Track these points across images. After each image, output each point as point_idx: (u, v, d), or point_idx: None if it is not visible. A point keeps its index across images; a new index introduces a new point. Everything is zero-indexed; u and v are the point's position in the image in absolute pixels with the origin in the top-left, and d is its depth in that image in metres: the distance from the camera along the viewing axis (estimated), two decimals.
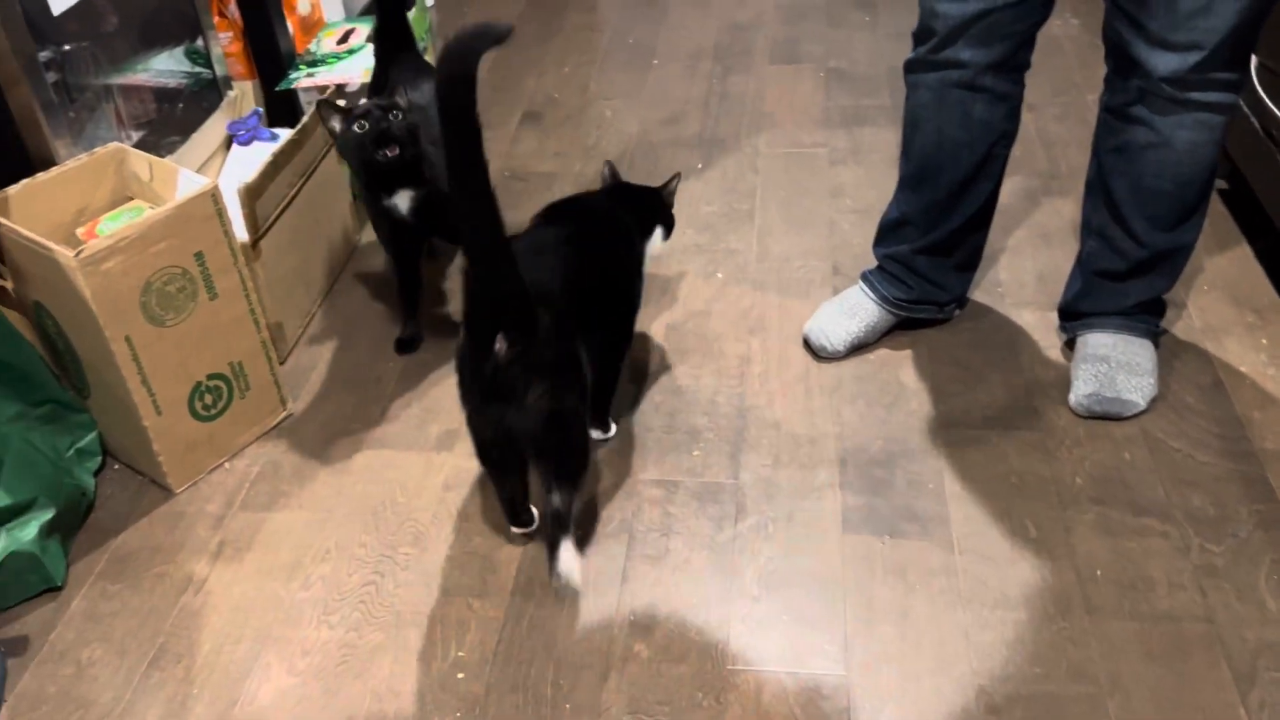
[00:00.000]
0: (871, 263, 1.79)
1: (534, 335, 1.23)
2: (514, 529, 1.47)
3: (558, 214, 1.54)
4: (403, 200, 1.68)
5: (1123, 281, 1.61)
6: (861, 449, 1.58)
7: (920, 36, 1.53)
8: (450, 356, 1.81)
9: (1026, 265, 1.93)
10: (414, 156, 1.64)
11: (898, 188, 1.70)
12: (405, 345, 1.83)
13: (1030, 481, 1.51)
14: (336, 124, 1.64)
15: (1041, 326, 1.78)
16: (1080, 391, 1.60)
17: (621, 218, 1.56)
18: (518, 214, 2.17)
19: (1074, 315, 1.69)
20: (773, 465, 1.56)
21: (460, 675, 1.31)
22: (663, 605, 1.37)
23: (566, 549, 1.29)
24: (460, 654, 1.33)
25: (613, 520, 1.49)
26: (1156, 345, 1.65)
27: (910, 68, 1.57)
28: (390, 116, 1.60)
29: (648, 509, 1.51)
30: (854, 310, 1.75)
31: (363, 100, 1.79)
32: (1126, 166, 1.51)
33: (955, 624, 1.32)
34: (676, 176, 1.66)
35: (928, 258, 1.70)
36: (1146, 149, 1.47)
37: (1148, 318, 1.64)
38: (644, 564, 1.43)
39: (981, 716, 1.22)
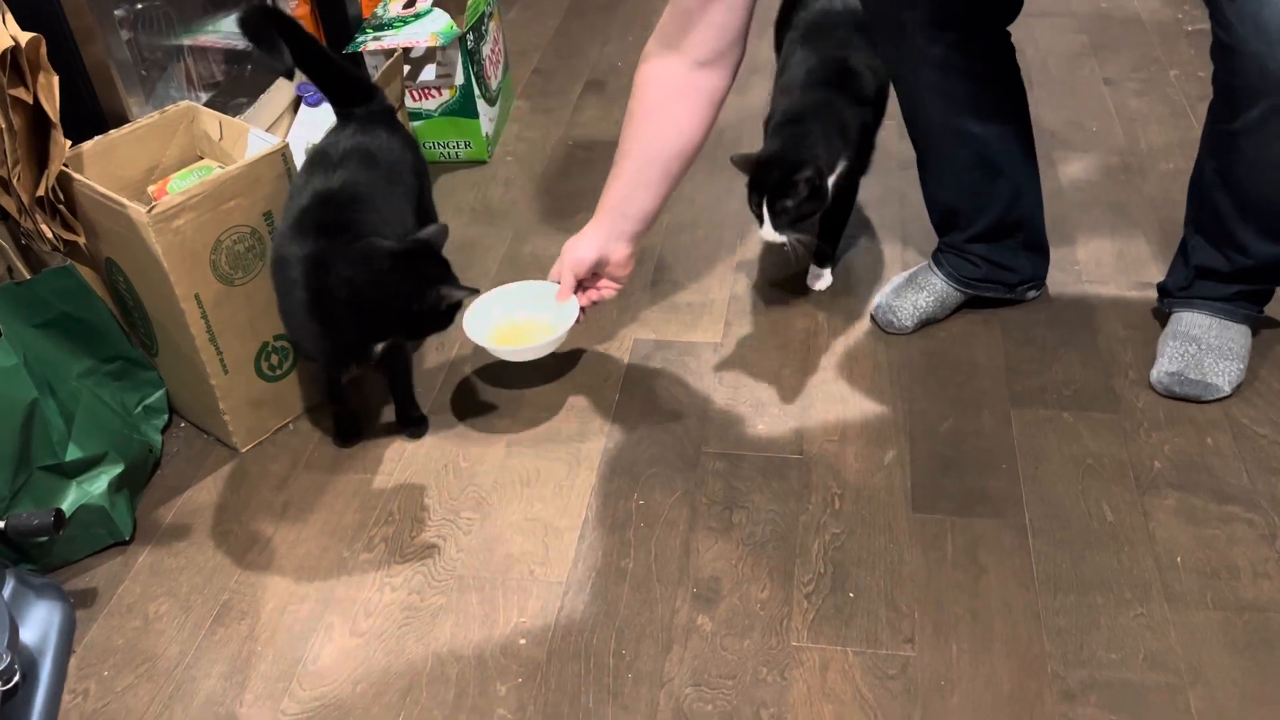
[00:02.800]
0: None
1: None
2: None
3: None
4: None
5: (1227, 283, 1.54)
6: (931, 427, 1.54)
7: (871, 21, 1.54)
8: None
9: (1104, 243, 1.87)
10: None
11: (920, 184, 1.67)
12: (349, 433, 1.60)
13: (1107, 464, 1.46)
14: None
15: (1120, 305, 1.73)
16: (1164, 369, 1.55)
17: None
18: (580, 183, 2.15)
19: (1173, 295, 1.62)
20: (839, 441, 1.53)
21: (522, 641, 1.30)
22: (726, 579, 1.35)
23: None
24: (522, 619, 1.32)
25: (675, 491, 1.47)
26: (1255, 332, 1.59)
27: (882, 57, 1.55)
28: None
29: (711, 481, 1.49)
30: (922, 286, 1.71)
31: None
32: (1232, 186, 1.44)
33: (1027, 606, 1.29)
34: None
35: (985, 245, 1.66)
36: (1250, 181, 1.41)
37: (1250, 304, 1.57)
38: (707, 536, 1.41)
39: (1054, 701, 1.19)
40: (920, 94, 1.53)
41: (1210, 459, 1.45)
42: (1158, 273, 1.71)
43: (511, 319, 1.59)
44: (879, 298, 1.73)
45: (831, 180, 1.59)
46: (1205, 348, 1.54)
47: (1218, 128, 1.42)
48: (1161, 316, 1.66)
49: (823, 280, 1.81)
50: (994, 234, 1.64)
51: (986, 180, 1.59)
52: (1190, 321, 1.57)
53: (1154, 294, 1.67)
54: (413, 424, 1.60)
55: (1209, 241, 1.52)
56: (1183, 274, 1.59)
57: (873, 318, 1.73)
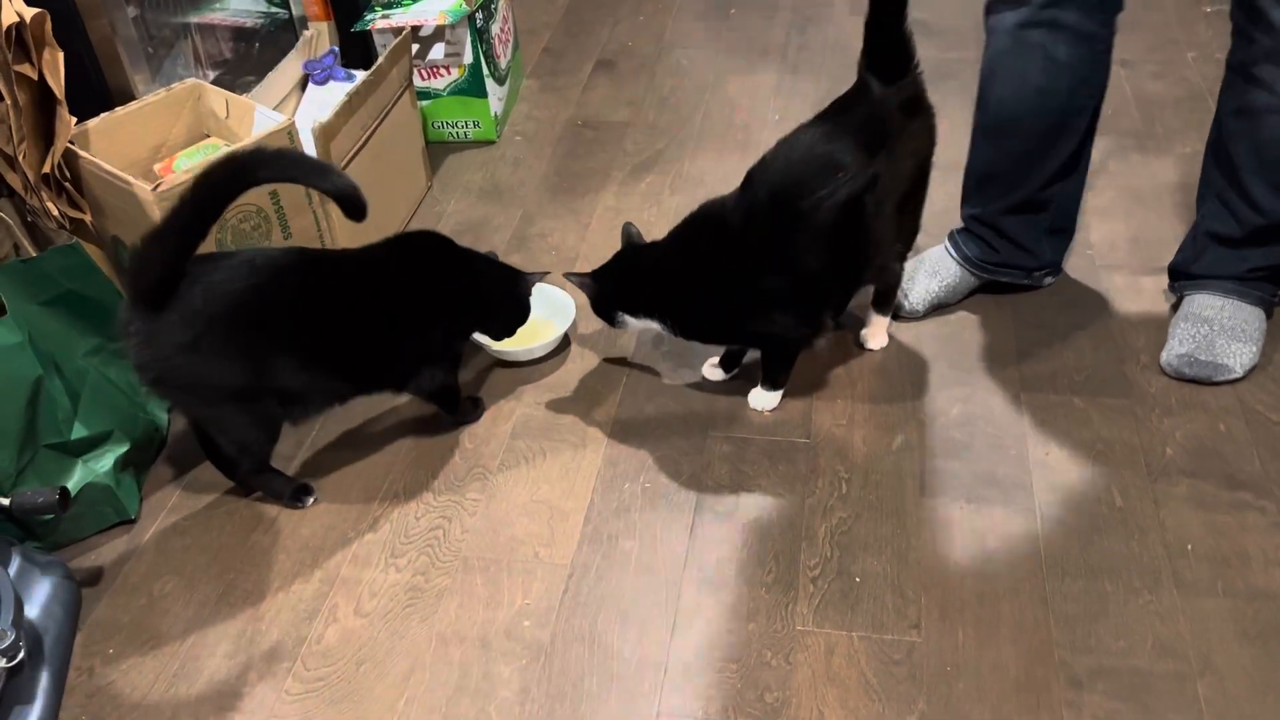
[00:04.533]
0: (956, 221, 1.72)
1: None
2: None
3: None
4: None
5: (1238, 248, 1.53)
6: (941, 411, 1.53)
7: None
8: None
9: (1118, 227, 1.85)
10: None
11: (972, 142, 1.63)
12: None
13: (1118, 450, 1.45)
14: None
15: (1133, 290, 1.71)
16: (1174, 351, 1.53)
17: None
18: (589, 163, 2.14)
19: (1185, 275, 1.61)
20: (847, 425, 1.52)
21: (526, 623, 1.29)
22: (731, 562, 1.35)
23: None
24: (526, 601, 1.32)
25: (681, 475, 1.47)
26: (1269, 315, 1.57)
27: (989, 8, 1.50)
28: None
29: (717, 465, 1.48)
30: (935, 269, 1.69)
31: None
32: (1248, 130, 1.43)
33: (1035, 593, 1.28)
34: None
35: (1016, 218, 1.63)
36: (1269, 113, 1.39)
37: (1264, 284, 1.55)
38: (713, 520, 1.40)
39: (1062, 688, 1.18)
40: (1022, 50, 1.47)
41: (1222, 445, 1.44)
42: (1172, 257, 1.69)
43: None
44: (907, 289, 1.70)
45: (630, 321, 1.50)
46: (1218, 329, 1.52)
47: (1237, 60, 1.41)
48: (1173, 301, 1.64)
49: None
50: (1026, 207, 1.61)
51: (1051, 147, 1.55)
52: (1202, 303, 1.55)
53: (1168, 278, 1.66)
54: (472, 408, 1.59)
55: (1221, 202, 1.51)
56: (1191, 248, 1.58)
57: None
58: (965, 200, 1.69)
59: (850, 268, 1.46)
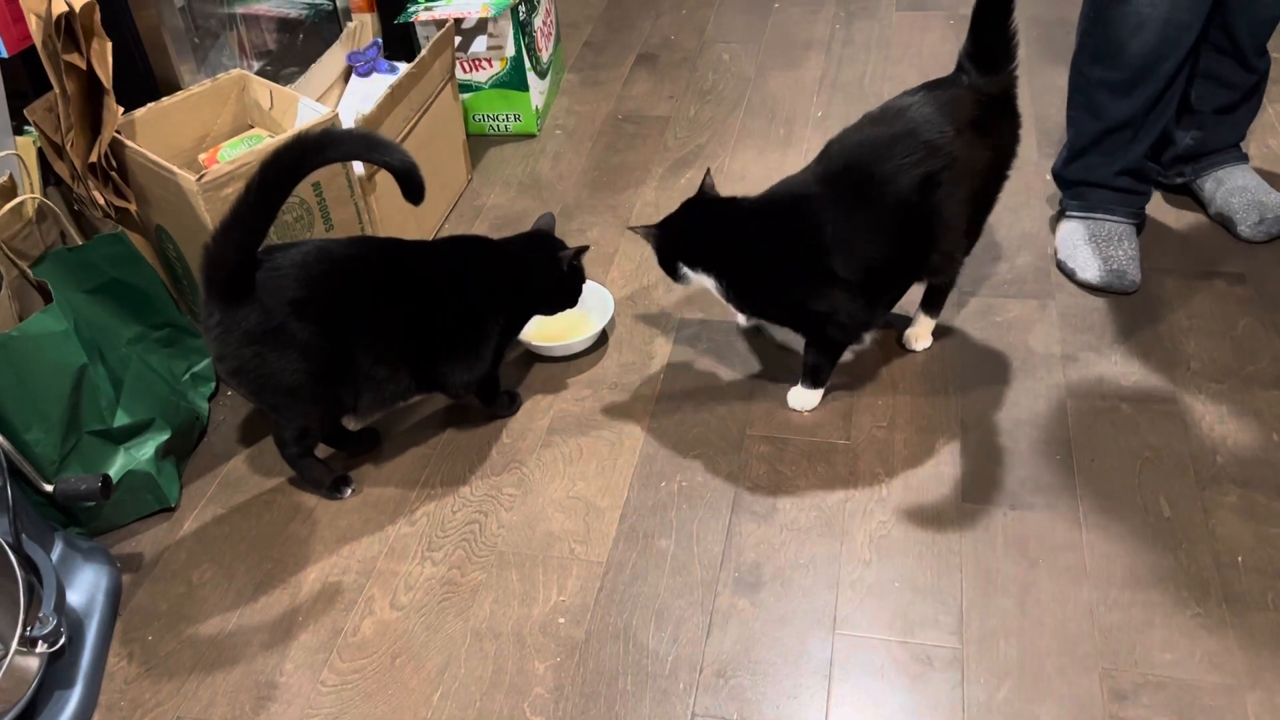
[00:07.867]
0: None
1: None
2: None
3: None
4: None
5: (1234, 112, 1.74)
6: (984, 415, 1.50)
7: None
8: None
9: (1168, 230, 1.81)
10: None
11: (1099, 101, 1.66)
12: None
13: (1166, 457, 1.42)
14: None
15: (1182, 294, 1.67)
16: (1248, 221, 1.72)
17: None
18: (629, 157, 2.13)
19: (1201, 156, 1.77)
20: (888, 427, 1.50)
21: (561, 620, 1.29)
22: (768, 564, 1.33)
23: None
24: (561, 598, 1.31)
25: (719, 474, 1.45)
26: None
27: None
28: None
29: (755, 465, 1.46)
30: (1110, 235, 1.71)
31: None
32: (1249, 6, 1.59)
33: (1080, 602, 1.25)
34: None
35: (1130, 177, 1.72)
36: None
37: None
38: (750, 521, 1.39)
39: (1106, 701, 1.15)
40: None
41: (1275, 454, 1.40)
42: (1224, 262, 1.66)
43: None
44: (1084, 266, 1.69)
45: (690, 275, 1.45)
46: (1258, 189, 1.74)
47: None
48: (1184, 187, 1.83)
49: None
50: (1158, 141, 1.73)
51: (1175, 84, 1.63)
52: (1229, 174, 1.77)
53: (1222, 282, 1.63)
54: (509, 402, 1.60)
55: (1215, 82, 1.69)
56: (1201, 133, 1.76)
57: (1095, 286, 1.69)
58: (1097, 161, 1.72)
59: (917, 250, 1.41)
